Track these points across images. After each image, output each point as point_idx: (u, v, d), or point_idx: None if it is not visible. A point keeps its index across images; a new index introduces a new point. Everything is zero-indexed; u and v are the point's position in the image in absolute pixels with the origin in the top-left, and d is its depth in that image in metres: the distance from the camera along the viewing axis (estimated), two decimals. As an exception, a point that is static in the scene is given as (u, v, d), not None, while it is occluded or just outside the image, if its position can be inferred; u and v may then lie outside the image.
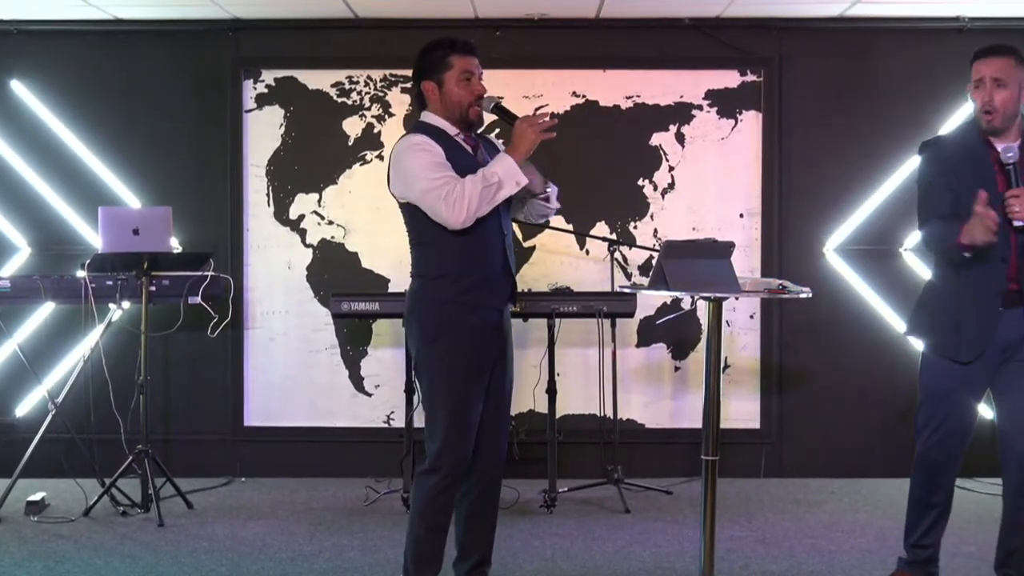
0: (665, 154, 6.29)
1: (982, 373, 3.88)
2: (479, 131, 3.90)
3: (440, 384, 3.73)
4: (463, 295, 3.71)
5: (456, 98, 3.74)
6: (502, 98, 3.94)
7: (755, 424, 6.31)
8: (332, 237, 6.32)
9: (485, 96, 3.78)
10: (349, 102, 6.30)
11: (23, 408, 6.26)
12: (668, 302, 6.23)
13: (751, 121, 6.28)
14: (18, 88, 6.26)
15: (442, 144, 3.70)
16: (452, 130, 3.78)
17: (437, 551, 3.80)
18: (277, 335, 6.34)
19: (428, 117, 3.81)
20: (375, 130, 6.28)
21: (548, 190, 3.86)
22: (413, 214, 3.74)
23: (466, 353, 3.73)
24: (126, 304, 5.66)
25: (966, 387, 3.90)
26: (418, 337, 3.76)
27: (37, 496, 5.46)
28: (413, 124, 3.85)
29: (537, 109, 3.80)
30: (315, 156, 6.30)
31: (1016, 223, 3.67)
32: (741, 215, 6.29)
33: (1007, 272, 3.79)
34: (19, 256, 6.30)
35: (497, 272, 3.79)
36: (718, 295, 3.65)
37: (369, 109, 6.30)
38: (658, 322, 6.15)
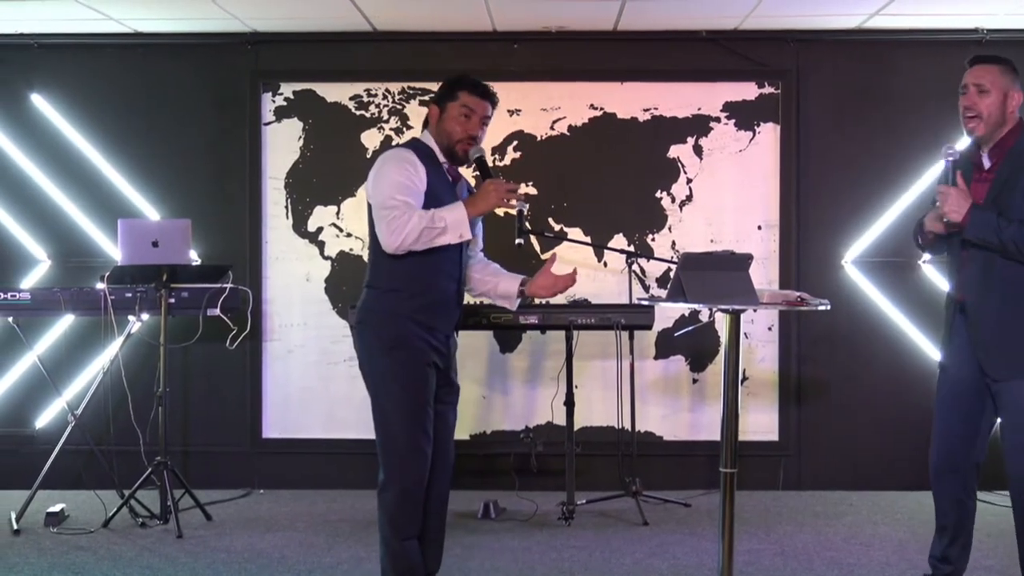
0: (683, 166, 6.28)
1: (965, 381, 3.94)
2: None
3: (397, 396, 3.75)
4: (417, 313, 3.76)
5: (449, 128, 3.83)
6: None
7: (773, 436, 6.29)
8: (350, 249, 6.34)
9: (477, 143, 3.83)
10: (367, 115, 6.32)
11: (43, 420, 6.30)
12: (686, 314, 6.23)
13: (769, 133, 6.27)
14: (39, 101, 6.31)
15: (428, 166, 3.77)
16: (441, 157, 3.86)
17: (416, 559, 3.82)
18: (295, 347, 6.36)
19: (425, 137, 3.91)
20: (393, 143, 6.27)
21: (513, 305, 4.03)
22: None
23: (419, 366, 3.77)
24: (145, 316, 5.68)
25: (951, 392, 4.00)
26: (373, 348, 3.79)
27: (57, 507, 5.48)
28: (410, 138, 3.95)
29: (511, 187, 3.78)
30: (334, 168, 6.33)
31: (945, 219, 3.84)
32: (759, 227, 6.28)
33: (956, 281, 4.00)
34: (39, 268, 6.34)
35: (450, 297, 3.87)
36: (736, 307, 3.65)
37: (387, 122, 6.32)
38: (676, 334, 6.15)
